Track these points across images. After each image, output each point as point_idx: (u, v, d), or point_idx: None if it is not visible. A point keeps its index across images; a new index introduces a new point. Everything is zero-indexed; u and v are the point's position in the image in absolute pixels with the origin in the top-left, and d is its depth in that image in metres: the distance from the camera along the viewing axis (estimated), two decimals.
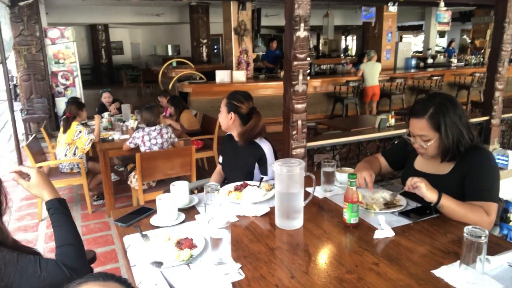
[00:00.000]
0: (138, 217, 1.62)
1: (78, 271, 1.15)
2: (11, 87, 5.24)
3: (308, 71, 3.89)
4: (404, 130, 4.53)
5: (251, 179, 2.14)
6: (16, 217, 3.92)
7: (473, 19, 12.13)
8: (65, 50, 7.08)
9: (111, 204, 3.85)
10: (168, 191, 1.73)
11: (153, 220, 1.58)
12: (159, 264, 1.26)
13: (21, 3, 6.39)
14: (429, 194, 1.54)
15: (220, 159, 2.44)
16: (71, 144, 3.92)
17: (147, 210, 1.68)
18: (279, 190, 1.49)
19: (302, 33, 3.72)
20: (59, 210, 1.24)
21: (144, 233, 1.48)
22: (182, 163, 3.52)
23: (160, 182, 3.57)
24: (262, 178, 1.98)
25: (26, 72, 6.67)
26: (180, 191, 1.70)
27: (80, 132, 3.86)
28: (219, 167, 2.46)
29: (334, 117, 7.43)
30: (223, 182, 2.36)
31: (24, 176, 1.28)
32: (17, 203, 4.28)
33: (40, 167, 1.21)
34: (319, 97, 7.68)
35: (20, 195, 4.49)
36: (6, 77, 4.75)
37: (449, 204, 1.54)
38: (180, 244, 1.36)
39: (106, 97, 5.39)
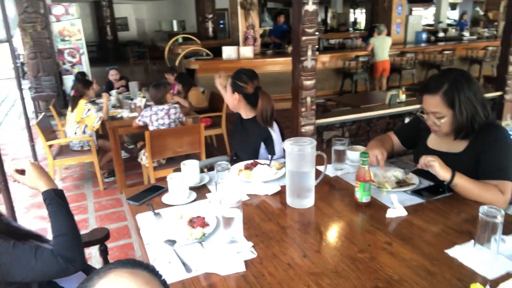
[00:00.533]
0: (150, 195, 1.63)
1: (74, 261, 1.15)
2: (18, 65, 5.22)
3: (317, 46, 3.82)
4: (415, 106, 4.47)
5: (257, 157, 2.13)
6: (27, 194, 3.98)
7: None
8: (70, 27, 7.01)
9: (122, 181, 3.89)
10: (178, 169, 1.74)
11: (165, 199, 1.59)
12: (172, 242, 1.27)
13: None
14: (442, 172, 1.52)
15: None
16: (80, 123, 3.93)
17: (159, 189, 1.69)
18: (290, 169, 1.48)
19: (310, 6, 3.63)
20: (54, 200, 1.22)
21: (156, 211, 1.49)
22: (191, 141, 3.52)
23: (170, 160, 3.59)
24: (272, 157, 1.97)
25: (33, 50, 6.63)
26: (190, 170, 1.71)
27: (89, 110, 3.87)
28: None
29: (343, 93, 7.33)
30: (233, 159, 2.37)
31: (20, 172, 1.26)
32: (32, 190, 4.35)
33: (36, 162, 1.18)
34: (328, 73, 7.56)
35: None
36: (13, 55, 4.72)
37: (462, 183, 1.52)
38: (192, 223, 1.36)
39: (113, 75, 5.36)
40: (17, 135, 6.13)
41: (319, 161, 1.59)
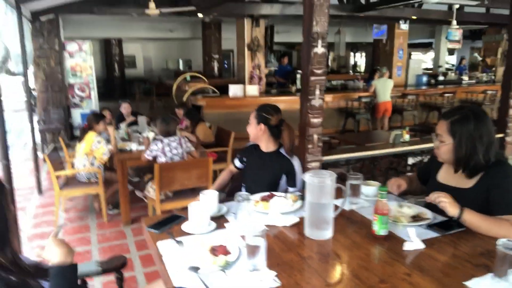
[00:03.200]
0: (170, 224, 1.66)
1: None
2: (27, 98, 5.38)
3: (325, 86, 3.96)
4: (419, 146, 4.55)
5: (275, 189, 2.18)
6: (32, 224, 3.98)
7: (484, 37, 12.21)
8: (82, 63, 7.25)
9: (127, 213, 3.89)
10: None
11: (185, 227, 1.62)
12: (195, 269, 1.29)
13: (43, 18, 6.58)
14: (451, 209, 1.58)
15: (237, 162, 2.51)
16: (89, 155, 3.99)
17: (178, 218, 1.72)
18: (310, 200, 1.53)
19: (320, 49, 3.80)
20: (57, 278, 1.10)
21: (178, 239, 1.52)
22: (199, 174, 3.57)
23: (176, 193, 3.62)
24: (287, 189, 2.02)
25: (44, 83, 6.83)
26: (210, 199, 1.75)
27: (99, 142, 3.94)
28: (231, 166, 2.55)
29: (345, 132, 7.46)
30: (235, 187, 2.43)
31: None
32: (34, 210, 4.35)
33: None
34: (330, 112, 7.73)
35: (36, 202, 4.56)
36: (27, 90, 4.88)
37: (471, 219, 1.56)
38: (214, 251, 1.39)
39: (125, 108, 5.53)
40: (20, 166, 6.16)
41: (336, 194, 1.64)
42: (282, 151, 2.29)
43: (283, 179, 2.22)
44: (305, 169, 3.97)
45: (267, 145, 2.29)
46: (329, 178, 1.50)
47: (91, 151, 3.97)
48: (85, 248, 3.44)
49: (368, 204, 1.86)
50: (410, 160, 4.74)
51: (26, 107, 4.83)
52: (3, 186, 1.16)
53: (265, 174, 2.25)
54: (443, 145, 1.70)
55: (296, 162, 2.25)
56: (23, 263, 1.14)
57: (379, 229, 1.50)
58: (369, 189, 1.91)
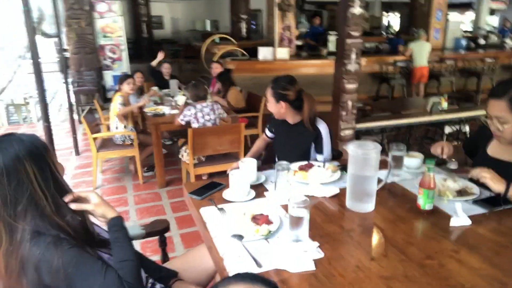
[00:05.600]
0: (211, 191, 1.68)
1: (134, 287, 1.15)
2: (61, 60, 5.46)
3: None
4: (457, 115, 4.37)
5: (306, 158, 2.16)
6: (70, 185, 4.14)
7: None
8: (112, 24, 7.23)
9: (162, 176, 3.99)
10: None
11: (226, 195, 1.64)
12: (239, 237, 1.31)
13: None
14: (496, 186, 1.52)
15: (267, 132, 2.49)
16: (118, 115, 4.07)
17: (218, 185, 1.74)
18: (353, 172, 1.50)
19: (357, 9, 3.62)
20: (121, 228, 1.24)
21: (219, 206, 1.54)
22: (232, 140, 3.58)
23: (209, 158, 3.66)
24: (326, 159, 1.99)
25: (77, 45, 6.89)
26: (249, 167, 1.75)
27: (120, 104, 4.03)
28: (264, 134, 2.54)
29: (379, 99, 7.24)
30: (270, 156, 2.42)
31: (82, 200, 1.24)
32: (72, 171, 4.52)
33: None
34: (364, 77, 7.45)
35: (74, 163, 4.74)
36: (61, 51, 4.95)
37: None
38: (256, 220, 1.40)
39: (166, 68, 5.64)
40: (59, 127, 6.37)
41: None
42: None
43: (313, 147, 2.18)
44: (338, 137, 3.91)
45: (293, 118, 2.22)
46: (373, 151, 1.45)
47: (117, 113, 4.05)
48: (123, 209, 3.58)
49: (410, 176, 1.81)
50: (447, 129, 4.58)
51: (60, 69, 4.90)
52: (47, 146, 1.20)
53: (294, 145, 2.22)
54: (509, 126, 1.57)
55: (323, 128, 2.18)
56: (78, 227, 1.19)
57: (424, 203, 1.47)
58: (412, 160, 1.86)
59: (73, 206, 1.19)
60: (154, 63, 5.62)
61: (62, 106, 7.58)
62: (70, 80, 7.54)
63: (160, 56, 5.55)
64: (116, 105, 4.05)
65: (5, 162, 1.09)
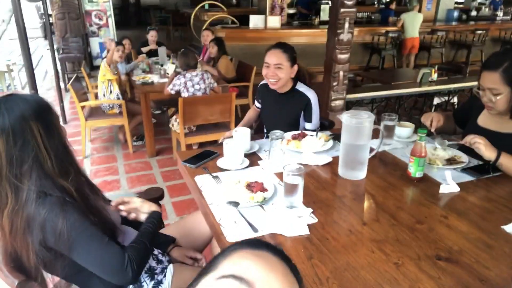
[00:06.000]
0: (205, 159, 1.69)
1: (133, 271, 1.13)
2: (46, 25, 5.27)
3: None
4: (447, 86, 4.41)
5: (296, 128, 2.16)
6: None
7: None
8: None
9: (152, 145, 3.98)
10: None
11: (220, 163, 1.64)
12: (235, 203, 1.33)
13: None
14: (487, 152, 1.55)
15: (256, 103, 2.48)
16: (104, 82, 3.99)
17: (212, 154, 1.74)
18: (346, 141, 1.52)
19: None
20: (159, 219, 1.37)
21: (214, 174, 1.55)
22: (222, 110, 3.56)
23: (200, 127, 3.65)
24: (318, 129, 2.00)
25: (61, 10, 6.64)
26: (242, 136, 1.75)
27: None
28: (253, 107, 2.52)
29: (369, 69, 7.22)
30: (262, 125, 2.44)
31: (125, 204, 1.38)
32: None
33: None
34: (355, 48, 7.37)
35: None
36: (46, 16, 4.75)
37: (509, 163, 1.54)
38: (251, 187, 1.42)
39: (152, 36, 5.45)
40: (44, 95, 6.23)
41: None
42: (299, 87, 2.19)
43: (302, 115, 2.18)
44: (328, 107, 3.92)
45: (286, 86, 2.20)
46: (367, 120, 1.47)
47: (104, 77, 3.98)
48: (114, 177, 3.57)
49: (401, 145, 1.84)
50: (436, 100, 4.63)
51: (44, 35, 4.73)
52: (51, 106, 1.18)
53: (284, 114, 2.21)
54: (501, 97, 1.59)
55: (313, 97, 2.17)
56: (86, 191, 1.22)
57: (415, 171, 1.50)
58: (403, 130, 1.89)
59: (122, 207, 1.35)
60: (144, 49, 5.41)
61: (47, 73, 7.38)
62: (55, 46, 7.34)
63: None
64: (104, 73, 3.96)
65: (11, 121, 1.07)
